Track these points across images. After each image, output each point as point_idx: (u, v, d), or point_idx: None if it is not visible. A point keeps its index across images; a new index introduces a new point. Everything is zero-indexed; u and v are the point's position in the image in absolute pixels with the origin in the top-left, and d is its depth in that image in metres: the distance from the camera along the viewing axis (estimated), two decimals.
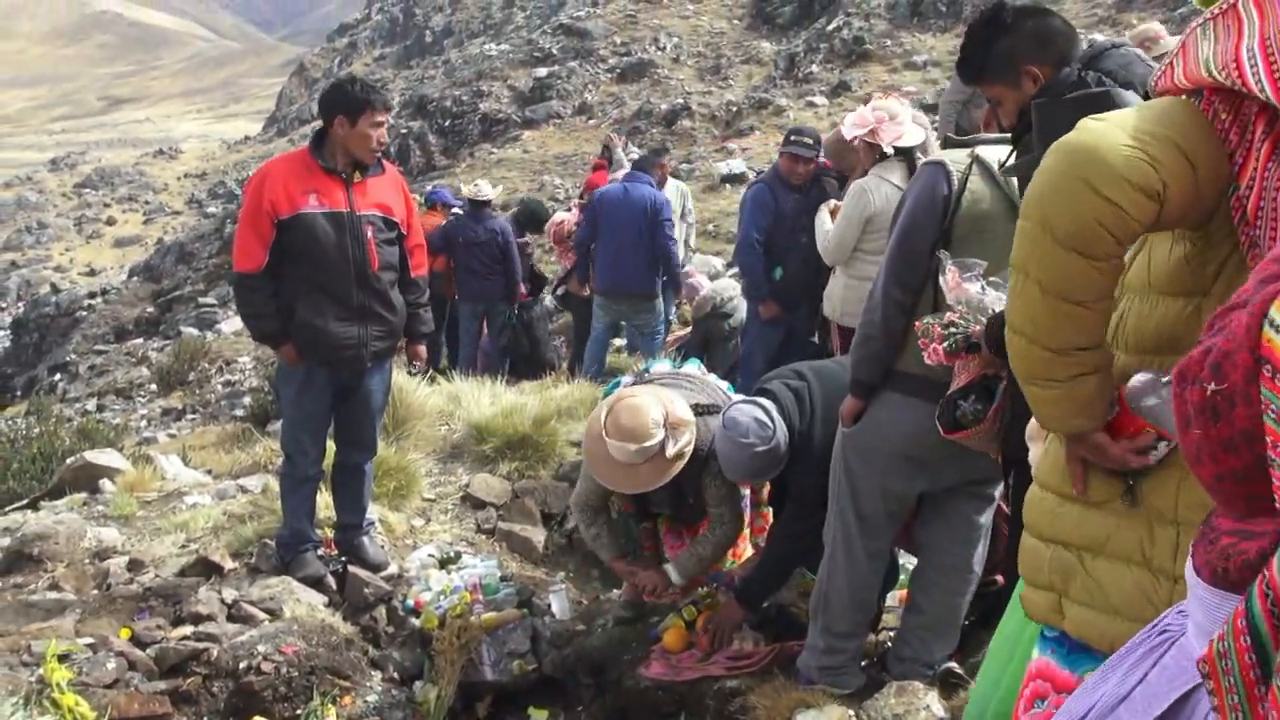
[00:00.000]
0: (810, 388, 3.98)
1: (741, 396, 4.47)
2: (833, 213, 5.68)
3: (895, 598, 4.35)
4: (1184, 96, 1.78)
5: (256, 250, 4.54)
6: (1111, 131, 1.74)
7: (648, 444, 3.95)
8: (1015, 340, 1.93)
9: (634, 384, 4.51)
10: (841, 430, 3.60)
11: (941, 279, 2.91)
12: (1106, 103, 2.31)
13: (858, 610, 3.70)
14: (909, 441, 3.40)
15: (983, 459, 3.12)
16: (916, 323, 2.92)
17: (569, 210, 10.74)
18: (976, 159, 3.24)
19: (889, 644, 4.00)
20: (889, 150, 5.05)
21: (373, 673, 4.64)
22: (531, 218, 10.58)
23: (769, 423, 3.83)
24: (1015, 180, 3.20)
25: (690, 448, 4.07)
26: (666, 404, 4.07)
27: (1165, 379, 1.75)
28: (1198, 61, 1.68)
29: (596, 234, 8.53)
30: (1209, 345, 1.11)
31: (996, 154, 3.25)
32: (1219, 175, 1.71)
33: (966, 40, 2.86)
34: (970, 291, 2.85)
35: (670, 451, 3.99)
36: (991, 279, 2.87)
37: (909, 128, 5.01)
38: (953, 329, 2.81)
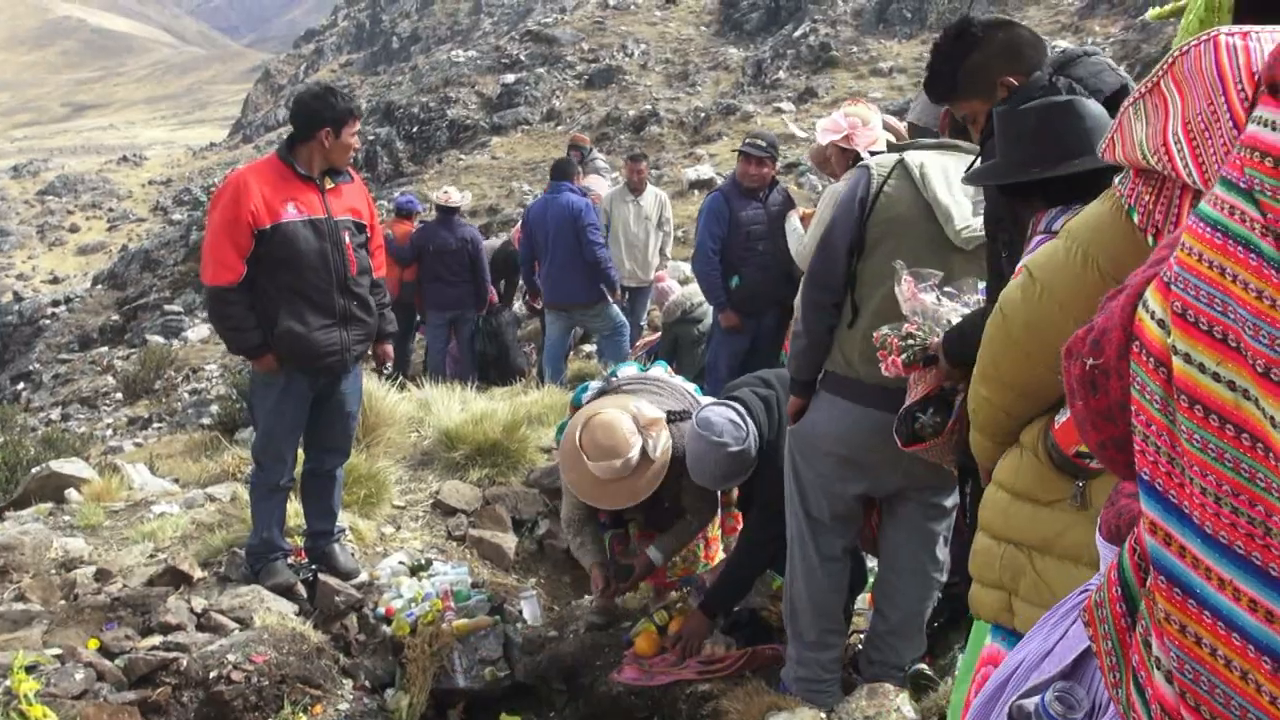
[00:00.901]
0: (777, 395, 4.02)
1: (711, 400, 4.50)
2: (804, 218, 5.72)
3: (864, 600, 4.39)
4: (1111, 205, 1.84)
5: (234, 262, 4.47)
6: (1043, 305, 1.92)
7: (630, 455, 3.96)
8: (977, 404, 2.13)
9: (600, 391, 4.51)
10: (788, 428, 3.66)
11: (897, 288, 2.94)
12: (1070, 111, 2.33)
13: (821, 618, 3.70)
14: (839, 442, 3.47)
15: (929, 467, 3.15)
16: (875, 334, 2.95)
17: None
18: (901, 163, 3.31)
19: (859, 647, 4.03)
20: (865, 155, 5.09)
21: (344, 681, 4.62)
22: (506, 265, 10.57)
23: (742, 424, 3.85)
24: (936, 186, 3.25)
25: (670, 445, 4.07)
26: (633, 410, 4.08)
27: None
28: (1134, 143, 1.73)
29: (534, 250, 8.66)
30: (1091, 324, 1.20)
31: (930, 158, 3.31)
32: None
33: (936, 58, 2.87)
34: (926, 302, 2.88)
35: (654, 455, 3.99)
36: (946, 289, 2.90)
37: (880, 134, 5.06)
38: (910, 341, 2.83)
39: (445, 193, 10.11)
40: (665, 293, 9.11)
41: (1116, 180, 1.87)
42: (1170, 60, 1.65)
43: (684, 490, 4.23)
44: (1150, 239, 1.74)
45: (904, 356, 2.83)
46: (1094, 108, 2.35)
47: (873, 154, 5.10)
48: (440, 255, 9.55)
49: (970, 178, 2.71)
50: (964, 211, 3.25)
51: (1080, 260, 1.87)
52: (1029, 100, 2.43)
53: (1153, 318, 1.07)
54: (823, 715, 3.47)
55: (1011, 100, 2.53)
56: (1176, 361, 1.01)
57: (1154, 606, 1.05)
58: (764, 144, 6.78)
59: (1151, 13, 2.56)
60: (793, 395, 3.62)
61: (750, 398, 4.02)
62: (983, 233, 3.26)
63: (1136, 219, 1.77)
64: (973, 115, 2.82)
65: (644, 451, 3.98)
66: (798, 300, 3.52)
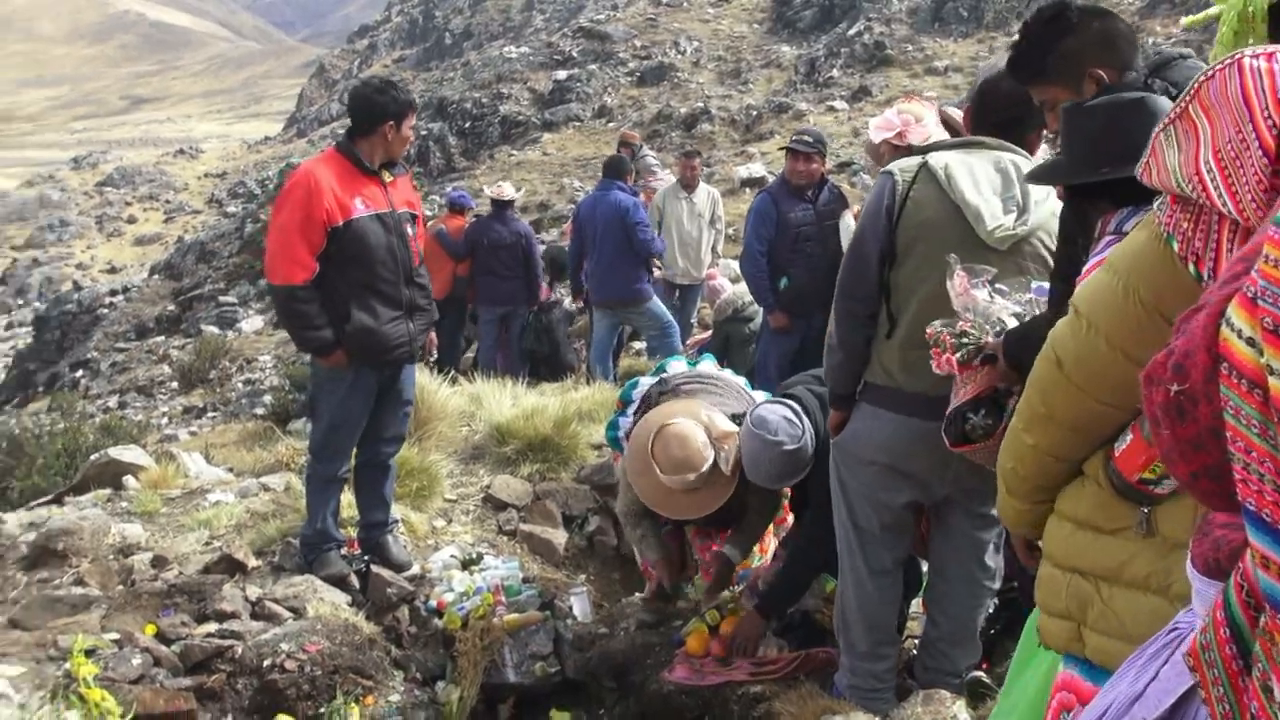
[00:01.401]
0: None
1: (765, 395, 4.47)
2: (857, 216, 5.67)
3: (918, 604, 4.33)
4: (1150, 234, 1.80)
5: (307, 260, 4.46)
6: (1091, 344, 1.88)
7: (703, 470, 3.92)
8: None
9: (658, 390, 4.47)
10: (832, 441, 3.61)
11: (949, 282, 2.88)
12: (1140, 109, 2.27)
13: (873, 630, 3.64)
14: (883, 451, 3.41)
15: (978, 472, 3.10)
16: (928, 329, 2.89)
17: None
18: (924, 165, 3.25)
19: (914, 652, 3.98)
20: None
21: (395, 673, 4.64)
22: (553, 264, 10.64)
23: (797, 422, 3.81)
24: (963, 187, 3.19)
25: (740, 458, 4.03)
26: (706, 421, 4.03)
27: None
28: (1168, 171, 1.69)
29: (583, 247, 8.69)
30: (1172, 347, 1.14)
31: (954, 158, 3.24)
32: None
33: (1024, 40, 2.78)
34: (978, 298, 2.82)
35: (725, 469, 3.95)
36: (998, 286, 2.84)
37: (934, 130, 4.99)
38: (965, 339, 2.77)
39: (499, 187, 10.15)
40: (716, 291, 9.08)
41: (1154, 206, 1.81)
42: (1196, 86, 1.60)
43: (750, 490, 4.19)
44: (1191, 267, 1.68)
45: (959, 355, 2.76)
46: (1164, 105, 2.29)
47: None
48: (494, 250, 9.58)
49: (1034, 175, 2.64)
50: (994, 210, 3.18)
51: (1122, 292, 1.82)
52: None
53: (1240, 336, 1.02)
54: None
55: (1100, 95, 2.46)
56: (1273, 382, 0.96)
57: (1272, 647, 0.99)
58: (811, 139, 6.72)
59: (1185, 21, 2.51)
60: (832, 408, 3.57)
61: (806, 395, 3.98)
62: (1016, 231, 3.20)
63: (1176, 247, 1.71)
64: (1053, 102, 2.73)
65: (715, 465, 3.94)
66: (832, 314, 3.46)
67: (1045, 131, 3.34)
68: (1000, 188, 3.20)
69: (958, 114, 4.85)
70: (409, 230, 4.71)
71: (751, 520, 4.36)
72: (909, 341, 3.25)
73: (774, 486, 4.14)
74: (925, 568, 4.30)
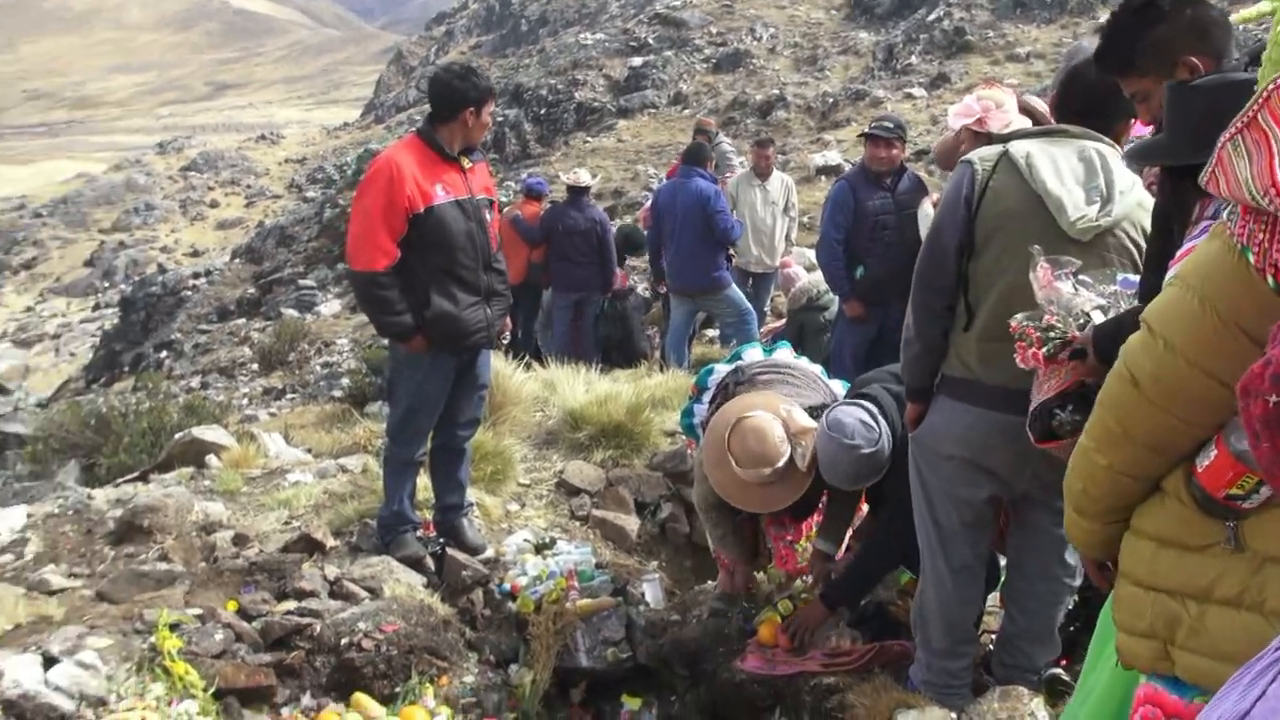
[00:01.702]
0: None
1: (842, 384, 4.41)
2: (936, 204, 5.58)
3: (994, 600, 4.26)
4: (1222, 246, 1.75)
5: (389, 246, 4.49)
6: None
7: (779, 464, 3.89)
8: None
9: (734, 379, 4.42)
10: (910, 435, 3.55)
11: (1031, 274, 2.81)
12: (1243, 92, 2.20)
13: (951, 629, 3.59)
14: (962, 445, 3.34)
15: (1058, 468, 3.02)
16: (1012, 323, 2.82)
17: None
18: (1005, 154, 3.17)
19: (990, 647, 3.92)
20: None
21: (469, 654, 4.69)
22: (628, 241, 10.64)
23: (874, 425, 3.75)
24: (1045, 176, 3.10)
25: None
26: (784, 416, 3.99)
27: None
28: (1238, 182, 1.64)
29: (661, 235, 8.67)
30: (1269, 358, 1.08)
31: (1035, 147, 3.16)
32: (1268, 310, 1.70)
33: (1113, 29, 2.70)
34: (1062, 290, 2.74)
35: (802, 465, 3.91)
36: (1082, 278, 2.77)
37: (1015, 117, 4.88)
38: (1051, 333, 2.70)
39: (575, 174, 10.16)
40: (791, 279, 8.99)
41: (1224, 216, 1.76)
42: (1266, 94, 1.55)
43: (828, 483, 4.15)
44: (1270, 279, 1.63)
45: (1046, 349, 2.70)
46: None
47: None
48: (569, 236, 9.59)
49: (1133, 154, 2.56)
50: (1077, 201, 3.10)
51: (1198, 306, 1.77)
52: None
53: None
54: (953, 716, 3.39)
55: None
56: None
57: None
58: (891, 124, 6.62)
59: (1236, 16, 2.42)
60: (909, 401, 3.51)
61: (882, 394, 3.92)
62: (1099, 222, 3.11)
63: (1252, 259, 1.66)
64: (1144, 93, 2.65)
65: (791, 461, 3.91)
66: (908, 305, 3.40)
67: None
68: (1084, 177, 3.12)
69: (1039, 103, 4.76)
70: (487, 216, 4.74)
71: (837, 510, 4.32)
72: (987, 334, 3.19)
73: (850, 488, 4.07)
74: (1003, 562, 4.24)
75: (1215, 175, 1.71)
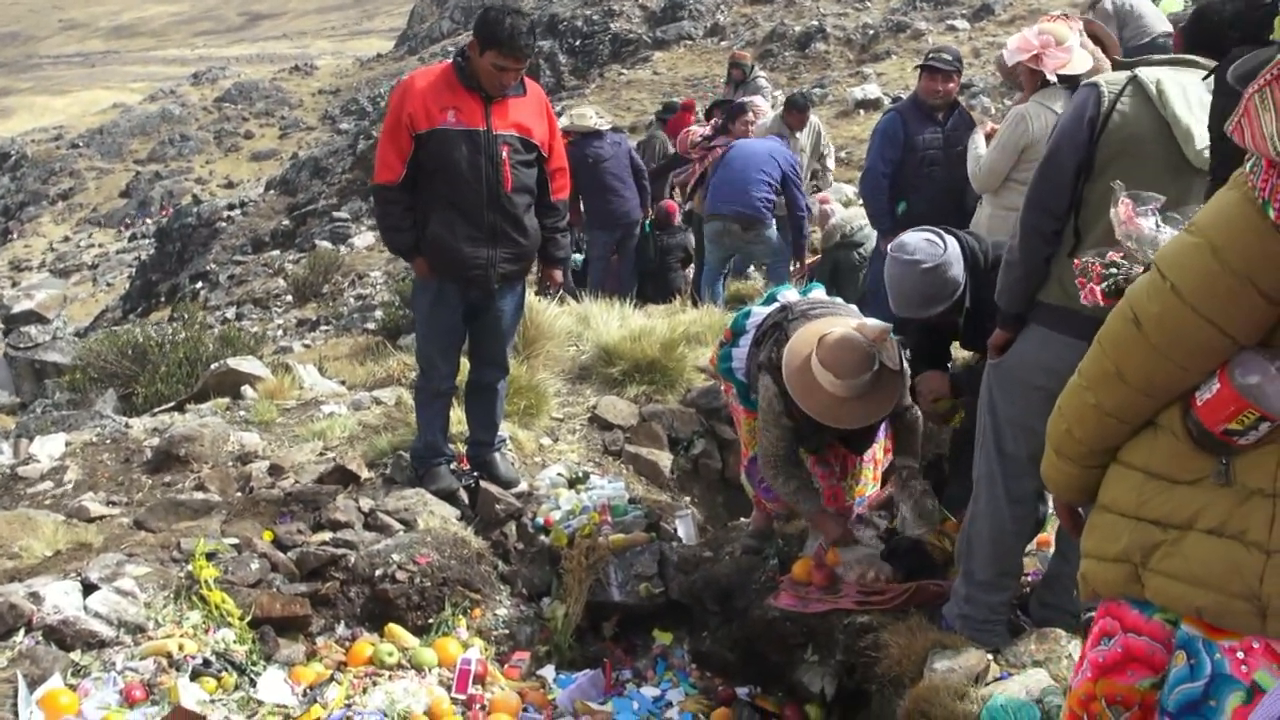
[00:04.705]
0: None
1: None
2: (988, 136, 5.44)
3: (1035, 542, 4.21)
4: (1241, 197, 1.73)
5: (395, 162, 4.57)
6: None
7: (876, 367, 3.80)
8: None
9: (786, 317, 4.30)
10: (988, 362, 3.48)
11: (1113, 211, 2.72)
12: None
13: (998, 560, 3.53)
14: (1049, 375, 3.24)
15: None
16: (1075, 260, 2.74)
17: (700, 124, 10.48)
18: (1134, 79, 3.07)
19: (1028, 589, 3.88)
20: (1052, 79, 4.77)
21: (502, 587, 4.72)
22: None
23: (939, 241, 3.74)
24: (1175, 104, 3.00)
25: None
26: (855, 325, 3.93)
27: (1276, 362, 1.78)
28: (1264, 135, 1.62)
29: (721, 164, 8.42)
30: None
31: (1166, 74, 3.06)
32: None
33: None
34: (1143, 227, 2.65)
35: (894, 366, 3.85)
36: (1169, 214, 2.68)
37: (1076, 54, 4.71)
38: (1113, 270, 2.62)
39: (582, 114, 9.74)
40: (826, 215, 8.85)
41: (1247, 168, 1.72)
42: None
43: (903, 405, 4.14)
44: None
45: (1104, 285, 2.62)
46: None
47: (1062, 79, 4.78)
48: (598, 166, 9.17)
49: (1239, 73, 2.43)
50: (1205, 131, 3.00)
51: (1211, 257, 1.76)
52: None
53: None
54: (989, 656, 3.36)
55: None
56: None
57: None
58: (950, 57, 6.43)
59: None
60: (1000, 328, 3.42)
61: (958, 232, 3.91)
62: None
63: (1273, 215, 1.65)
64: None
65: (882, 365, 3.82)
66: (1014, 227, 3.30)
67: None
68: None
69: (1104, 30, 4.58)
70: (505, 154, 4.59)
71: (905, 425, 4.26)
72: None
73: (922, 314, 3.93)
74: (1050, 505, 4.17)
75: (1240, 125, 1.68)
